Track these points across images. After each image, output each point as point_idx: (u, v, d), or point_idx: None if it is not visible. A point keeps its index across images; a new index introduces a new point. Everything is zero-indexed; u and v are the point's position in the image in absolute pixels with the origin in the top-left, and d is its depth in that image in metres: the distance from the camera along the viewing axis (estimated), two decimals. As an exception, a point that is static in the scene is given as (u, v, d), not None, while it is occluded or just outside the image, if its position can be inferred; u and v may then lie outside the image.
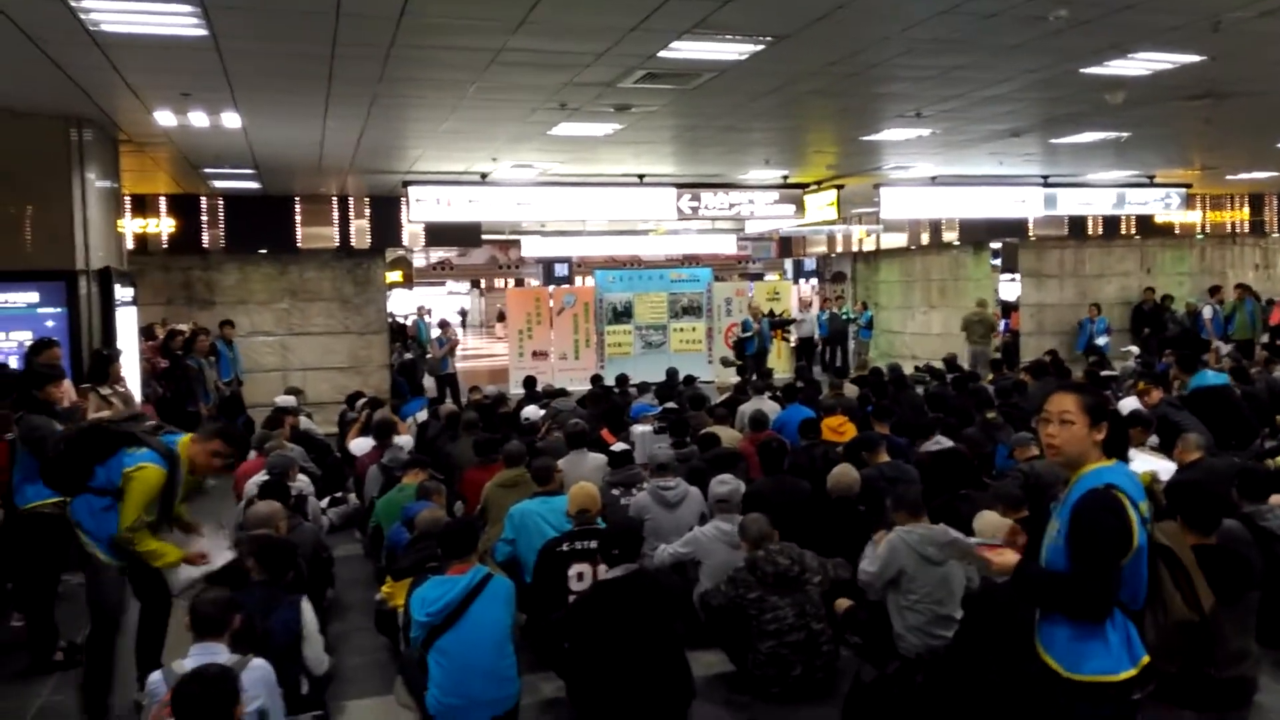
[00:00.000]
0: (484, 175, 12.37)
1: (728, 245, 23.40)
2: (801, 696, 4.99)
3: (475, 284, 46.39)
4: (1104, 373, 12.35)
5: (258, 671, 3.93)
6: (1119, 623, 2.96)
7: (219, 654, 3.94)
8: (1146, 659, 2.95)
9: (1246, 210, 19.03)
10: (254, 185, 13.05)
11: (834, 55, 7.20)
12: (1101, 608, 2.95)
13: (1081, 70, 7.78)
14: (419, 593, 4.71)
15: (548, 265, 27.06)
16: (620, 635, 4.49)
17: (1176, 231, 18.59)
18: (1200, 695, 4.59)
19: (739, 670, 5.19)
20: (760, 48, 6.84)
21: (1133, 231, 18.20)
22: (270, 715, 3.89)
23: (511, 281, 37.75)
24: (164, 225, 13.91)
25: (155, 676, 3.87)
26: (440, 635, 4.57)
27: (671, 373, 13.28)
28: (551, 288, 21.20)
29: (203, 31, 6.06)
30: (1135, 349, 15.50)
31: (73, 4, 5.52)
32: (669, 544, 5.93)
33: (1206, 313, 16.72)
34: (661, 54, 6.92)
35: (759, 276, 30.68)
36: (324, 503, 8.40)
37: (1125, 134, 11.00)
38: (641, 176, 12.84)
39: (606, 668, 4.48)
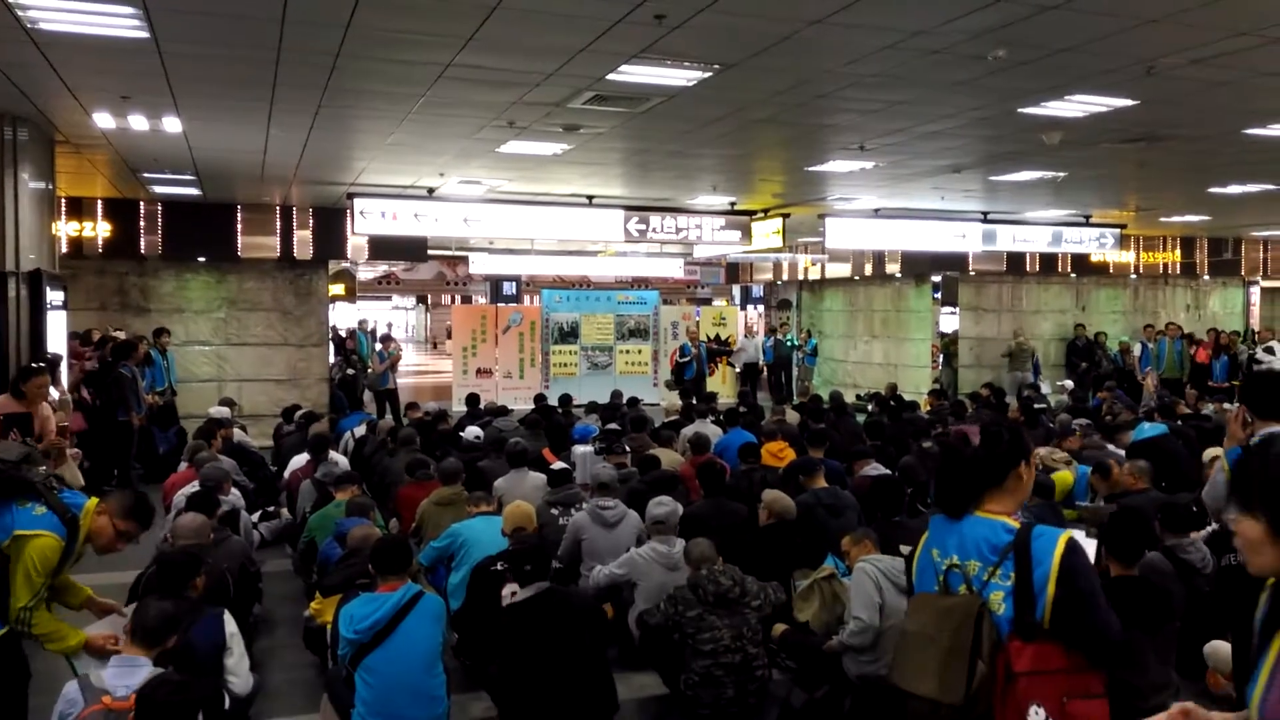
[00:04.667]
0: (431, 190, 12.29)
1: (676, 269, 23.48)
2: (733, 718, 4.98)
3: (421, 299, 45.99)
4: (1036, 405, 12.58)
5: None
6: None
7: (142, 666, 3.83)
8: None
9: (1178, 252, 19.62)
10: (194, 191, 12.82)
11: (780, 85, 7.30)
12: None
13: (1020, 110, 7.98)
14: (347, 609, 4.63)
15: (495, 283, 26.93)
16: (538, 654, 4.45)
17: (1111, 271, 19.10)
18: (1121, 724, 4.68)
19: (672, 693, 5.17)
20: (708, 75, 6.92)
21: (1069, 269, 18.66)
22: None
23: (458, 298, 37.46)
24: (100, 229, 13.60)
25: (71, 687, 3.74)
26: (368, 653, 4.49)
27: (615, 394, 13.28)
28: (499, 305, 21.12)
29: (144, 34, 5.96)
30: (1069, 383, 15.86)
31: (9, 0, 5.40)
32: (605, 564, 5.91)
33: (1136, 350, 17.17)
34: (610, 76, 6.97)
35: (707, 301, 30.86)
36: (255, 516, 8.26)
37: (1062, 174, 11.29)
38: (590, 197, 12.86)
39: (530, 687, 4.43)
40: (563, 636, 4.52)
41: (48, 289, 8.65)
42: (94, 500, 4.08)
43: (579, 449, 9.09)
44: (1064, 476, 6.76)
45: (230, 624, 4.67)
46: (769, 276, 23.33)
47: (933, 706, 2.67)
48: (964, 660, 2.63)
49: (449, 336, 33.24)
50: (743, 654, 5.01)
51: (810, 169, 11.07)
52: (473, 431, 10.06)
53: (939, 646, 2.69)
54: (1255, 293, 21.08)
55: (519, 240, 18.69)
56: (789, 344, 20.19)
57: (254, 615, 6.18)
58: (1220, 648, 5.29)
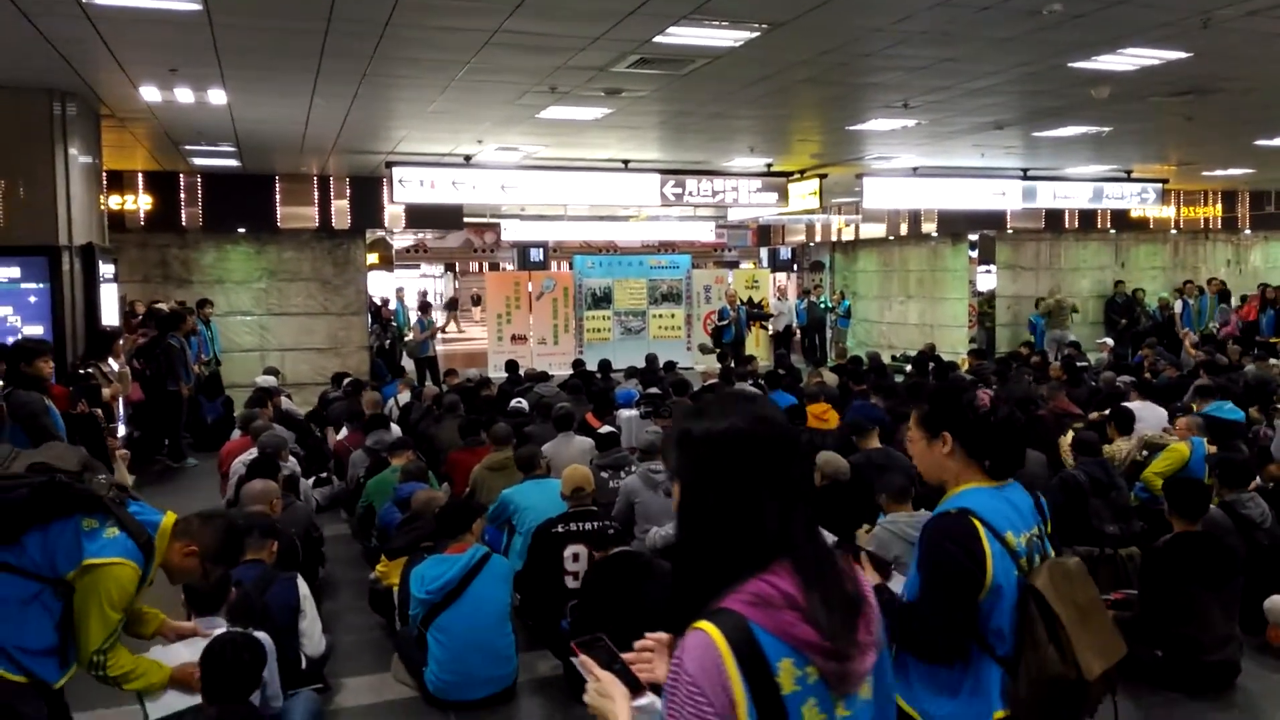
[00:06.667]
0: (468, 157, 12.31)
1: (705, 233, 23.41)
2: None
3: (449, 267, 46.11)
4: (1079, 364, 12.50)
5: (259, 645, 3.93)
6: (975, 669, 2.52)
7: (218, 627, 3.95)
8: (1001, 714, 2.47)
9: (1219, 207, 19.30)
10: (234, 163, 12.91)
11: (827, 44, 7.24)
12: (940, 649, 2.54)
13: (1070, 64, 7.87)
14: (418, 570, 4.74)
15: (523, 250, 26.97)
16: (623, 613, 4.54)
17: (1151, 226, 18.83)
18: (1189, 679, 4.72)
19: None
20: (755, 35, 6.86)
21: (1108, 225, 18.42)
22: (269, 687, 3.89)
23: (486, 266, 37.49)
24: (141, 202, 13.74)
25: (156, 646, 3.87)
26: (440, 613, 4.60)
27: (651, 358, 13.32)
28: (530, 272, 21.16)
29: (196, 6, 5.99)
30: (1109, 341, 15.73)
31: (66, -26, 5.45)
32: (660, 526, 5.98)
33: (1177, 306, 16.97)
34: (657, 39, 6.93)
35: (735, 264, 30.76)
36: (309, 482, 8.39)
37: (1106, 129, 11.13)
38: (626, 162, 12.83)
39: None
40: (647, 598, 4.60)
41: (100, 262, 8.78)
42: (170, 518, 3.45)
43: (625, 413, 9.15)
44: (1179, 449, 6.73)
45: (303, 587, 4.80)
46: (801, 238, 23.21)
47: (1100, 679, 2.49)
48: (1105, 616, 2.58)
49: (474, 303, 33.37)
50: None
51: (851, 128, 10.97)
52: (515, 402, 10.12)
53: (1076, 619, 2.49)
54: (1298, 246, 20.76)
55: (553, 206, 18.68)
56: (823, 306, 20.13)
57: (318, 579, 6.30)
58: (1281, 602, 5.30)
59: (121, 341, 8.91)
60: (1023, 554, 2.51)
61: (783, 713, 1.47)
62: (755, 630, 1.48)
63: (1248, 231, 19.84)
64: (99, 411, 7.09)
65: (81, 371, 7.36)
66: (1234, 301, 16.92)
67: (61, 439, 5.67)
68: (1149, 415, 8.30)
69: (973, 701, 2.50)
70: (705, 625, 1.48)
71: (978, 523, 2.48)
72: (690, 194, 13.14)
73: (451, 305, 15.66)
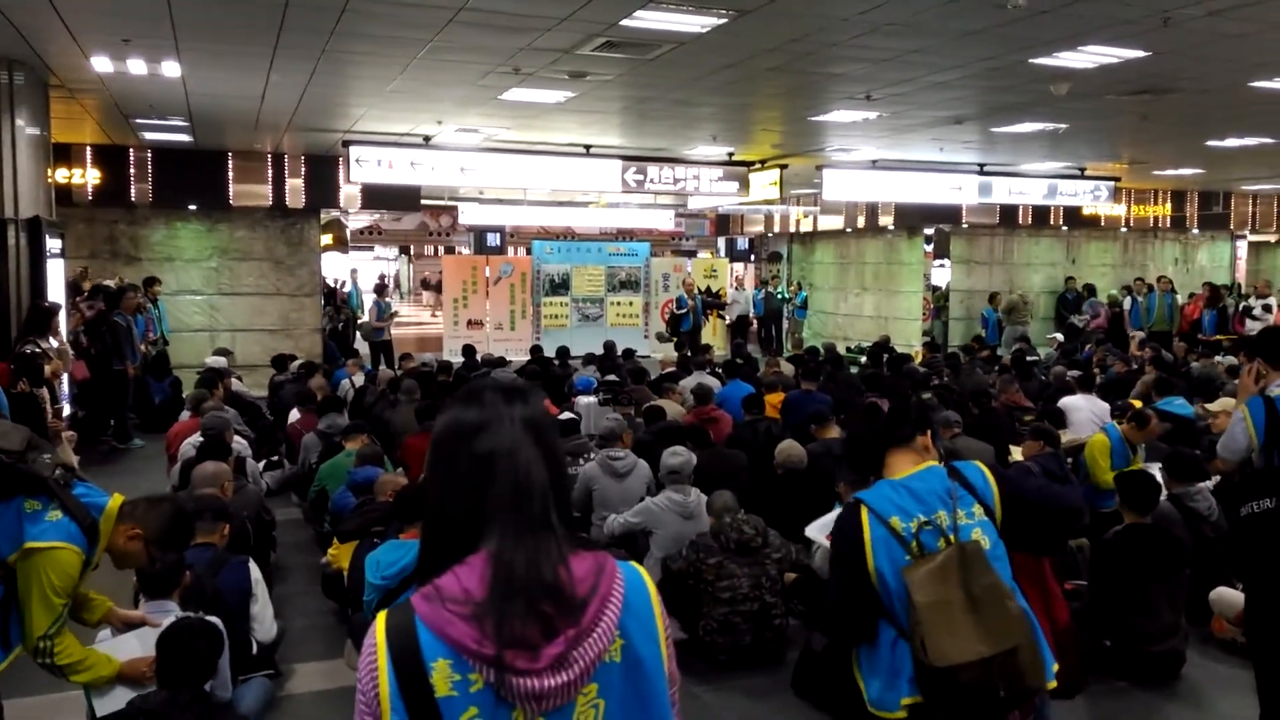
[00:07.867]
0: (427, 138, 12.15)
1: (665, 221, 23.36)
2: (750, 664, 5.07)
3: (404, 250, 45.60)
4: (1029, 358, 12.68)
5: (210, 630, 3.85)
6: (896, 651, 2.63)
7: (170, 611, 3.86)
8: (909, 699, 2.58)
9: (1169, 206, 19.66)
10: (186, 138, 12.62)
11: (794, 33, 7.23)
12: (841, 629, 2.76)
13: (1031, 60, 7.95)
14: (373, 556, 4.65)
15: (479, 234, 26.72)
16: None
17: (1102, 224, 19.15)
18: (1136, 668, 4.81)
19: (690, 639, 5.25)
20: (723, 21, 6.83)
21: (1060, 222, 18.70)
22: (218, 674, 3.81)
23: (442, 249, 37.13)
24: (89, 176, 13.38)
25: (105, 635, 3.77)
26: (396, 599, 4.52)
27: (609, 345, 13.30)
28: (486, 257, 21.00)
29: (152, -26, 5.84)
30: (1059, 336, 15.98)
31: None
32: (618, 514, 5.96)
33: (1126, 303, 17.29)
34: (624, 22, 6.87)
35: (692, 253, 30.79)
36: (260, 465, 8.26)
37: (1063, 126, 11.27)
38: (588, 147, 12.75)
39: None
40: None
41: (46, 237, 8.53)
42: (117, 500, 3.34)
43: (583, 399, 9.11)
44: (1099, 439, 6.87)
45: (255, 571, 4.72)
46: (760, 229, 23.28)
47: (985, 664, 2.46)
48: (1002, 602, 2.54)
49: (424, 287, 33.06)
50: (760, 602, 5.08)
51: (813, 119, 10.99)
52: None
53: (964, 604, 2.51)
54: (1242, 246, 21.20)
55: (512, 190, 18.53)
56: (780, 297, 20.22)
57: (269, 563, 6.20)
58: (1226, 594, 5.40)
59: (63, 317, 8.67)
60: (910, 538, 2.59)
61: (437, 717, 1.36)
62: (418, 625, 1.37)
63: (1195, 231, 20.26)
64: (42, 391, 6.90)
65: (27, 351, 7.16)
66: (1180, 299, 17.25)
67: (4, 416, 5.52)
68: (1098, 409, 8.46)
69: (892, 683, 2.62)
70: (380, 615, 1.41)
71: (864, 510, 2.66)
72: (652, 181, 13.09)
73: (438, 287, 15.38)
